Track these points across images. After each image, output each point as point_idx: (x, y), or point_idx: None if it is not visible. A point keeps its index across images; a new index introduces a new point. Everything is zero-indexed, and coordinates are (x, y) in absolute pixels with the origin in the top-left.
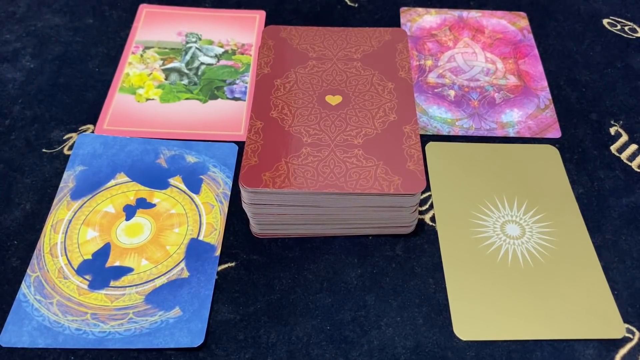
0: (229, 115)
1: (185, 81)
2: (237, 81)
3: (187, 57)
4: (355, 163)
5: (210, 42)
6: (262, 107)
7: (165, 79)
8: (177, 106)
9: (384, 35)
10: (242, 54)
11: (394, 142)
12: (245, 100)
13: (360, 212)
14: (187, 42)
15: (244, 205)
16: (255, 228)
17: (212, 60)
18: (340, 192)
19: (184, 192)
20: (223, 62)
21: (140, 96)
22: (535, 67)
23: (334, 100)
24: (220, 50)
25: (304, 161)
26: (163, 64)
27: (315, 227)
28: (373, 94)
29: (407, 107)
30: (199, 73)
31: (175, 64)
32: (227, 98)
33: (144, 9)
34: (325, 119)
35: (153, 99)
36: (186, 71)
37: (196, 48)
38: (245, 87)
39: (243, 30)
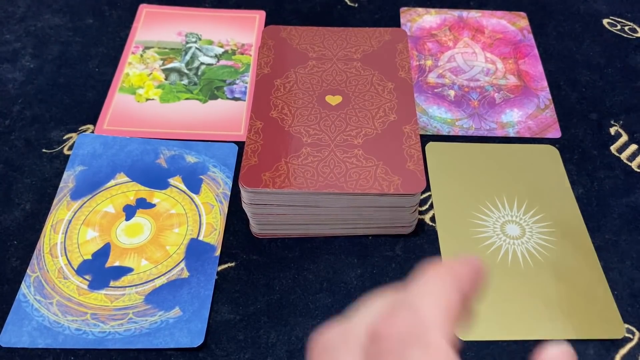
0: (229, 115)
1: (185, 81)
2: (237, 81)
3: (187, 57)
4: (355, 163)
5: (210, 42)
6: (262, 107)
7: (165, 79)
8: (177, 106)
9: (384, 35)
10: (242, 54)
11: (394, 142)
12: (245, 100)
13: (360, 212)
14: (187, 42)
15: (243, 205)
16: (255, 228)
17: (212, 60)
18: (340, 192)
19: (184, 192)
20: (223, 62)
21: (140, 96)
22: (535, 67)
23: (333, 100)
24: (220, 50)
25: (304, 161)
26: (163, 64)
27: (315, 227)
28: (373, 94)
29: (407, 107)
30: (199, 73)
31: (175, 64)
32: (227, 98)
33: (144, 9)
34: (325, 119)
35: (153, 99)
36: (186, 71)
37: (196, 48)
38: (245, 87)
39: (243, 30)
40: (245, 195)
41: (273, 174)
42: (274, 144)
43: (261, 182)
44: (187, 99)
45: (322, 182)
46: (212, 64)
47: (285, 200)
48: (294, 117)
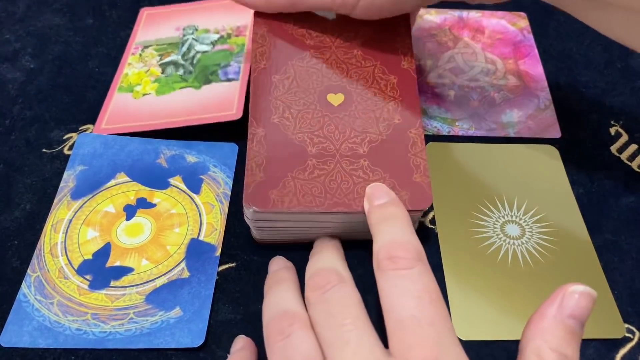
0: (222, 97)
1: (181, 71)
2: (232, 62)
3: (184, 49)
4: (362, 177)
5: (207, 31)
6: (262, 111)
7: (162, 73)
8: (172, 96)
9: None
10: (237, 36)
11: (400, 149)
12: (238, 80)
13: (365, 226)
14: (184, 35)
15: (246, 220)
16: (256, 235)
17: (208, 48)
18: (349, 211)
19: (184, 192)
20: (218, 47)
21: (137, 93)
22: (535, 67)
23: (335, 99)
24: (216, 37)
25: (310, 175)
26: (160, 59)
27: (318, 236)
28: (376, 90)
29: (411, 105)
30: (194, 62)
31: (172, 57)
32: (221, 80)
33: (144, 12)
34: (329, 123)
35: (149, 94)
36: (182, 62)
37: (193, 39)
38: (239, 67)
39: (239, 14)
40: (250, 214)
41: (280, 191)
42: (278, 155)
43: (269, 202)
44: (182, 87)
45: (330, 199)
46: (207, 51)
47: (292, 218)
48: (296, 122)
